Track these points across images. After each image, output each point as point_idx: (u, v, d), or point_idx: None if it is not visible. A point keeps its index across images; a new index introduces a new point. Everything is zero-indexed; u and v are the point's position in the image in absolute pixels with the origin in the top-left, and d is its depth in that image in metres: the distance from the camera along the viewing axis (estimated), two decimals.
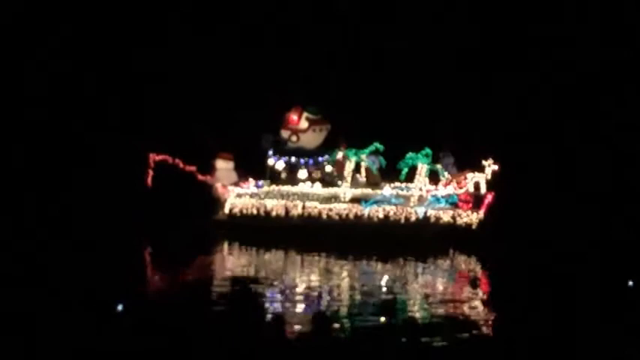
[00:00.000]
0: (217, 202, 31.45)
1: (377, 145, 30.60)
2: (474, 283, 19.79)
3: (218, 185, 31.24)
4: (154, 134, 34.39)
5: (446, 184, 29.62)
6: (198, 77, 38.87)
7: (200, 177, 31.42)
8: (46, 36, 39.39)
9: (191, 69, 39.01)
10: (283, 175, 31.11)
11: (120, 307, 12.73)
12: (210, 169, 31.49)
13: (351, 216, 29.49)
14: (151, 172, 30.98)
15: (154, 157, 31.13)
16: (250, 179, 31.62)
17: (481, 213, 29.15)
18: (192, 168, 31.42)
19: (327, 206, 29.73)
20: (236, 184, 31.11)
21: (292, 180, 30.84)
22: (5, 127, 37.00)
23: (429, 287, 20.28)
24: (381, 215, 29.29)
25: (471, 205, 29.26)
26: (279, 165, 31.31)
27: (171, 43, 40.22)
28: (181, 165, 31.36)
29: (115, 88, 39.49)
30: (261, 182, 31.30)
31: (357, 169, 31.01)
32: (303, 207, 29.90)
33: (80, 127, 38.14)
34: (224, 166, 31.51)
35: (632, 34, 36.75)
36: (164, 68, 39.22)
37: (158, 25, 40.15)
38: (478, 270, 24.42)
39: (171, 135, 33.47)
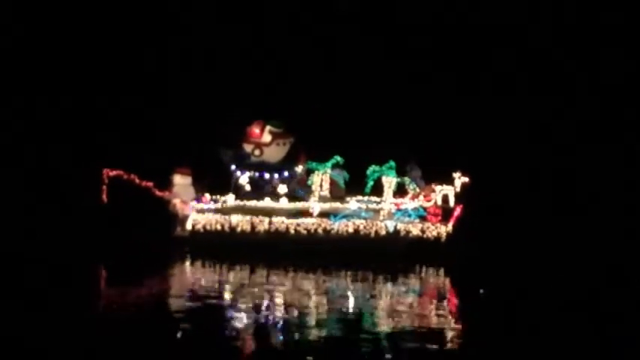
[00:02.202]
0: (175, 219, 30.41)
1: (337, 158, 30.22)
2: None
3: (177, 201, 30.20)
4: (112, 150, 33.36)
5: (413, 197, 29.45)
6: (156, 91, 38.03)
7: (158, 193, 30.40)
8: None
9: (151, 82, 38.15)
10: (247, 189, 30.40)
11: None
12: (167, 185, 30.51)
13: (320, 231, 28.93)
14: (105, 188, 29.85)
15: (108, 173, 29.98)
16: (207, 195, 30.76)
17: (449, 226, 29.06)
18: (149, 184, 30.38)
19: (295, 221, 29.08)
20: (197, 200, 30.18)
21: (257, 195, 30.07)
22: None
23: (397, 304, 19.23)
24: (350, 229, 28.87)
25: (439, 218, 29.16)
26: (243, 180, 30.50)
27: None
28: (137, 180, 30.28)
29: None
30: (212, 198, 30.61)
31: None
32: (270, 222, 29.15)
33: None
34: (182, 182, 30.51)
35: None
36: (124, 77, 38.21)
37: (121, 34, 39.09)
38: (446, 284, 23.98)
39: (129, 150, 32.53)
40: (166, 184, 30.49)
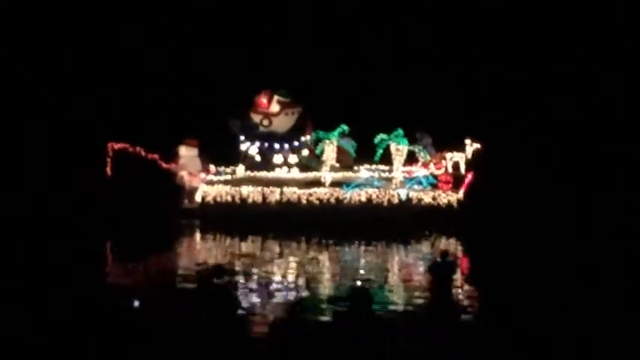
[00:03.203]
0: (183, 191, 30.06)
1: (344, 126, 30.01)
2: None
3: (184, 173, 29.82)
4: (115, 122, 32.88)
5: (424, 165, 29.41)
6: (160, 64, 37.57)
7: (164, 165, 30.01)
8: None
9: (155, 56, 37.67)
10: (257, 159, 30.20)
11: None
12: (173, 157, 30.12)
13: (332, 200, 28.78)
14: (109, 161, 29.39)
15: (113, 146, 29.47)
16: (212, 166, 30.47)
17: (461, 193, 29.09)
18: (155, 156, 29.94)
19: (307, 191, 28.89)
20: (207, 172, 29.89)
21: (267, 165, 29.85)
22: None
23: (408, 272, 18.53)
24: (363, 198, 28.74)
25: (451, 185, 29.15)
26: (253, 150, 30.26)
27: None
28: (143, 153, 29.82)
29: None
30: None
31: (322, 151, 30.16)
32: (281, 193, 28.93)
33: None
34: (188, 153, 30.09)
35: None
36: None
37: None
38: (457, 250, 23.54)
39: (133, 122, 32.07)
40: (172, 156, 30.14)
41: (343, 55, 38.28)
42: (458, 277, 15.82)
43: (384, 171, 29.49)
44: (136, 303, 12.56)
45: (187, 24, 39.02)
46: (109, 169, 29.27)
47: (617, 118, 35.56)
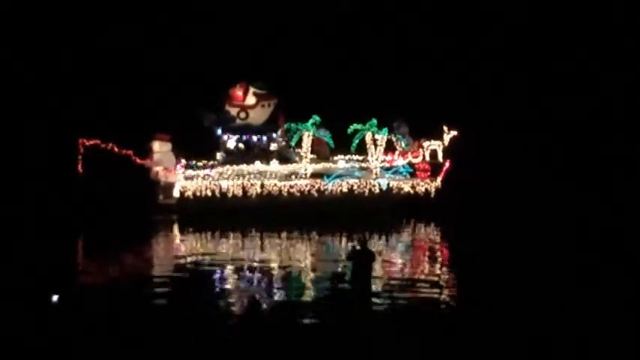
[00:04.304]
0: (157, 186, 29.64)
1: (316, 117, 29.96)
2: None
3: (159, 168, 29.43)
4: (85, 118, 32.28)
5: (402, 154, 29.62)
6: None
7: (138, 161, 29.52)
8: None
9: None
10: (236, 152, 29.96)
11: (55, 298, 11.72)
12: (147, 152, 29.70)
13: (314, 192, 28.78)
14: (81, 158, 28.73)
15: (84, 142, 28.81)
16: (183, 160, 30.13)
17: (438, 181, 29.41)
18: (129, 152, 29.43)
19: (288, 183, 28.81)
20: (182, 167, 29.53)
21: (246, 158, 29.63)
22: None
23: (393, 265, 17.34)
24: (345, 189, 28.83)
25: (429, 173, 29.46)
26: (231, 143, 30.01)
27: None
28: (116, 149, 29.26)
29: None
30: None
31: (299, 143, 30.11)
32: (262, 185, 28.77)
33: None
34: (162, 148, 29.71)
35: None
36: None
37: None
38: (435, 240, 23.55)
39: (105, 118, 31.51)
40: (146, 152, 29.71)
41: (313, 42, 38.25)
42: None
43: (359, 161, 29.63)
44: (54, 298, 12.33)
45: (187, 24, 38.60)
46: (80, 166, 28.65)
47: (617, 118, 36.35)
